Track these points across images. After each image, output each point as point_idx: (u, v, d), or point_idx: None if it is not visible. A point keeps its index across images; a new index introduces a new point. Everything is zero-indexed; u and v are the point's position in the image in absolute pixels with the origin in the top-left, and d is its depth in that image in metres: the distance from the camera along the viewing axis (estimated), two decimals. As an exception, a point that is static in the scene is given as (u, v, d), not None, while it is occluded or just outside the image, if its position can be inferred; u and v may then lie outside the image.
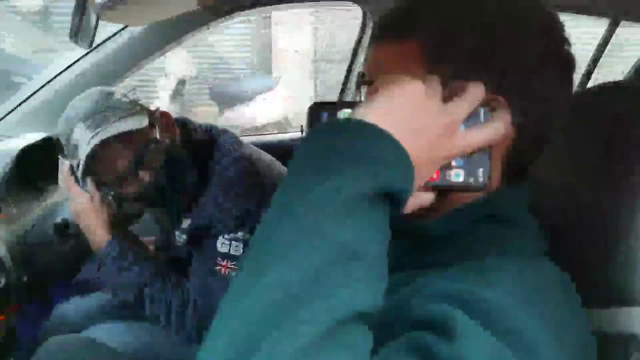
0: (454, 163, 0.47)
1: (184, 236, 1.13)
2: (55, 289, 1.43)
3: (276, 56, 6.75)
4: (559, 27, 0.53)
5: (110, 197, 1.08)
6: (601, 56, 1.78)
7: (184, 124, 1.13)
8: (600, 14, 1.60)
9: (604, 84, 0.66)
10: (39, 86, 1.39)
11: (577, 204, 0.62)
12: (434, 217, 0.54)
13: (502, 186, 0.54)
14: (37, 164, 1.26)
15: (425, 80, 0.44)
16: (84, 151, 0.95)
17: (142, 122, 0.97)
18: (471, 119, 0.46)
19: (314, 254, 0.34)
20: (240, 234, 1.03)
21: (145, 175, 1.00)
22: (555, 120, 0.54)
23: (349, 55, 1.76)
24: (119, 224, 1.07)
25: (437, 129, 0.43)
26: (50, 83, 1.38)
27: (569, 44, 0.54)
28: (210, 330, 0.35)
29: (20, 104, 1.38)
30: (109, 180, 1.02)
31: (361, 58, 1.71)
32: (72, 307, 1.27)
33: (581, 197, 0.62)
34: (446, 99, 0.45)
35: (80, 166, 0.96)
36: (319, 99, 6.79)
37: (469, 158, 0.47)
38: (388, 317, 0.50)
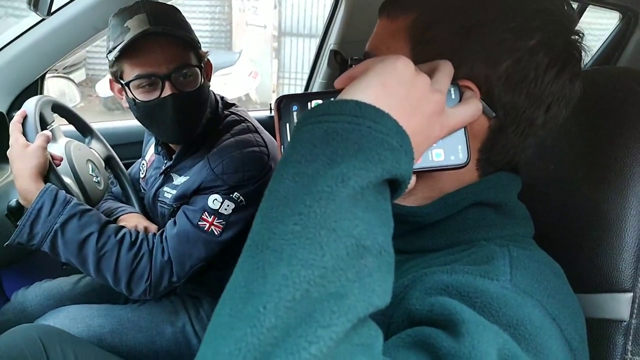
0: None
1: (174, 192, 1.08)
2: (6, 275, 1.35)
3: (237, 30, 6.55)
4: (560, 17, 0.50)
5: None
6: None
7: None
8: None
9: (587, 69, 0.65)
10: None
11: (566, 192, 0.62)
12: (416, 202, 0.53)
13: (485, 173, 0.53)
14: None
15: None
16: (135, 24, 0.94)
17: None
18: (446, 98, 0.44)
19: (324, 250, 0.31)
20: (235, 195, 1.01)
21: (169, 88, 0.97)
22: (544, 112, 0.51)
23: (317, 30, 1.71)
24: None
25: (430, 106, 0.40)
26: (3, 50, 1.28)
27: (575, 34, 0.51)
28: (208, 333, 0.30)
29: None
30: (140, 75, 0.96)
31: (334, 35, 1.67)
32: (31, 294, 1.20)
33: (570, 185, 0.62)
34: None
35: (123, 44, 0.93)
36: (282, 76, 6.65)
37: (446, 136, 0.45)
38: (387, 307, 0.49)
